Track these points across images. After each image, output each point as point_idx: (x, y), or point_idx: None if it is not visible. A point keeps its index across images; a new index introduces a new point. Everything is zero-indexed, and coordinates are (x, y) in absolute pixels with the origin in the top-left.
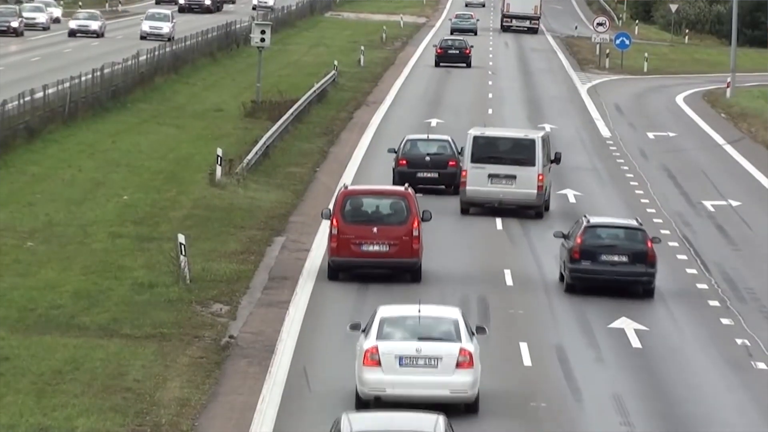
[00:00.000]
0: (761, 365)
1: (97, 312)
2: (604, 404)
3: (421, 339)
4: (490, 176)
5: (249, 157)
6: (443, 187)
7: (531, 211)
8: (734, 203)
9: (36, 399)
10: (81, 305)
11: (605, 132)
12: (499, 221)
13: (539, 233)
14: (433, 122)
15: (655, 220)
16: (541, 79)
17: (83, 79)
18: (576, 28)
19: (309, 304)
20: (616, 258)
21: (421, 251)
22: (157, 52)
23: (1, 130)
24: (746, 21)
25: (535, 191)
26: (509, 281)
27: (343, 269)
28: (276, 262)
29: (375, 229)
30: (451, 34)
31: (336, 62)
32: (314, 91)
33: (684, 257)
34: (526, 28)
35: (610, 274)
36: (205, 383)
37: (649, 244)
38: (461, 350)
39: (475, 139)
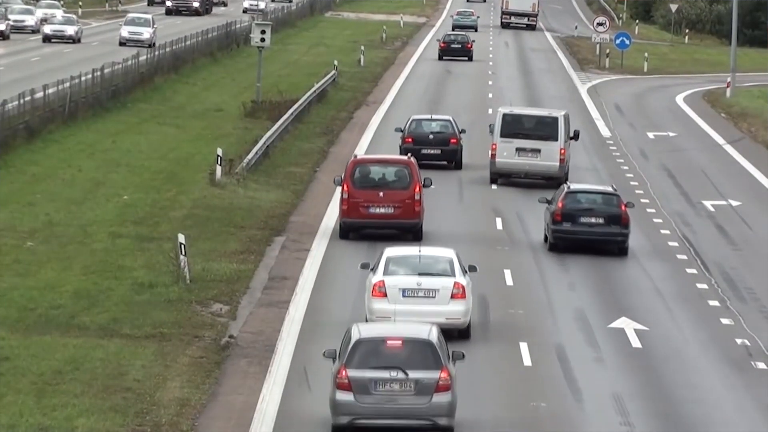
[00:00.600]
0: (761, 365)
1: (97, 312)
2: (604, 404)
3: (421, 275)
4: (517, 150)
5: (249, 157)
6: (445, 162)
7: (552, 181)
8: (734, 203)
9: (36, 399)
10: (81, 305)
11: (605, 132)
12: (499, 221)
13: (539, 233)
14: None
15: (655, 220)
16: (541, 79)
17: (83, 79)
18: (576, 27)
19: (309, 304)
20: (593, 220)
21: (422, 213)
22: (157, 52)
23: (1, 130)
24: (746, 21)
25: (558, 164)
26: (509, 281)
27: (353, 230)
28: (276, 262)
29: (381, 194)
30: (453, 30)
31: (336, 62)
32: (314, 91)
33: (684, 257)
34: (524, 25)
35: (588, 234)
36: (205, 383)
37: (623, 207)
38: (455, 284)
39: (504, 116)
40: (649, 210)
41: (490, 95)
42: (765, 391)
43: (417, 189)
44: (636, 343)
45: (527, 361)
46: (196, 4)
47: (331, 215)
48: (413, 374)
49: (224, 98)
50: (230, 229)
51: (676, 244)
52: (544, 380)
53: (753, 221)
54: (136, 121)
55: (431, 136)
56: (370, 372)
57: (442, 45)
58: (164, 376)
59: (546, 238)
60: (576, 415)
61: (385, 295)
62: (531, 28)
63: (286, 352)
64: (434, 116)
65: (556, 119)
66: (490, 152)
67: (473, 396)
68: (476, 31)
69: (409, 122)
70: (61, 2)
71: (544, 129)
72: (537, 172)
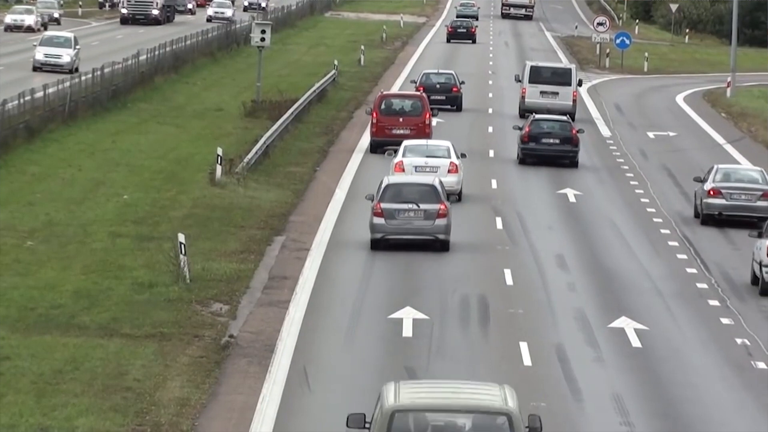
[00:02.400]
0: (761, 365)
1: (97, 312)
2: (604, 404)
3: (427, 157)
4: (541, 93)
5: (249, 156)
6: (449, 106)
7: (566, 115)
8: None
9: (36, 399)
10: (81, 305)
11: (605, 131)
12: (499, 221)
13: (539, 233)
14: (434, 122)
15: (655, 220)
16: None
17: (83, 78)
18: (576, 27)
19: (309, 304)
20: (551, 141)
21: (431, 134)
22: (157, 52)
23: (1, 129)
24: (746, 21)
25: (571, 103)
26: (509, 281)
27: (380, 145)
28: (276, 262)
29: (401, 119)
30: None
31: (336, 62)
32: (314, 91)
33: (684, 257)
34: (522, 15)
35: (547, 151)
36: (205, 383)
37: (574, 131)
38: (451, 163)
39: (531, 68)
40: (649, 210)
41: (490, 95)
42: (765, 391)
43: (427, 116)
44: (636, 343)
45: (527, 361)
46: (155, 12)
47: (332, 215)
48: (423, 206)
49: (224, 98)
50: (230, 228)
51: (676, 244)
52: (544, 380)
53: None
54: (136, 120)
55: (438, 86)
56: (395, 204)
57: (450, 29)
58: (164, 375)
59: (517, 156)
60: (576, 415)
61: (403, 170)
62: (528, 18)
63: (286, 352)
64: (440, 70)
65: (569, 69)
66: (520, 95)
67: None
68: (477, 20)
69: (420, 75)
70: (61, 2)
71: (561, 77)
72: (556, 109)
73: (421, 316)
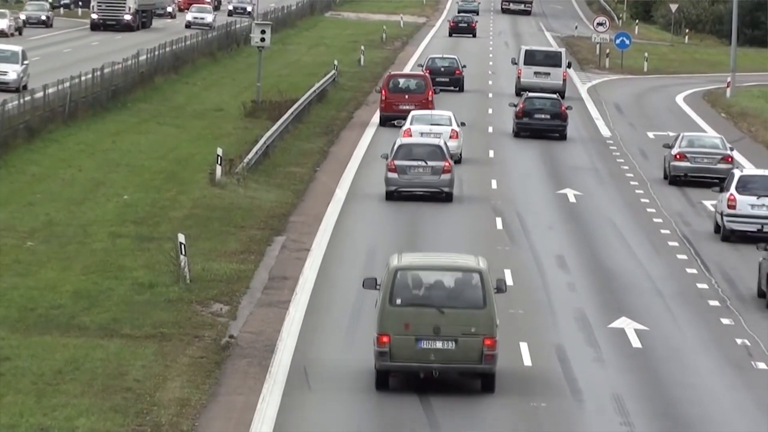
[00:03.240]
0: (761, 365)
1: (97, 312)
2: (604, 404)
3: (432, 125)
4: (535, 73)
5: (249, 156)
6: (452, 87)
7: (557, 93)
8: None
9: (36, 399)
10: (81, 305)
11: (605, 132)
12: (499, 221)
13: (539, 233)
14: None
15: (655, 220)
16: None
17: (83, 79)
18: (576, 27)
19: (309, 304)
20: (543, 116)
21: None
22: (157, 52)
23: (1, 130)
24: (746, 21)
25: (561, 82)
26: (509, 281)
27: (388, 119)
28: (276, 262)
29: (406, 96)
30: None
31: (336, 62)
32: (314, 91)
33: (684, 257)
34: (521, 10)
35: (539, 125)
36: (205, 383)
37: (563, 108)
38: (452, 130)
39: (526, 51)
40: (649, 210)
41: (490, 95)
42: (765, 391)
43: (430, 93)
44: (636, 343)
45: (527, 361)
46: (127, 18)
47: (332, 215)
48: (430, 163)
49: (224, 98)
50: (230, 229)
51: (676, 244)
52: (544, 380)
53: None
54: (136, 121)
55: (442, 69)
56: (407, 162)
57: (452, 24)
58: (164, 376)
59: (513, 129)
60: (576, 415)
61: (411, 135)
62: (527, 13)
63: (286, 352)
64: (444, 55)
65: (559, 53)
66: (516, 75)
67: (473, 396)
68: (478, 15)
69: (427, 59)
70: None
71: (552, 59)
72: (548, 88)
73: None
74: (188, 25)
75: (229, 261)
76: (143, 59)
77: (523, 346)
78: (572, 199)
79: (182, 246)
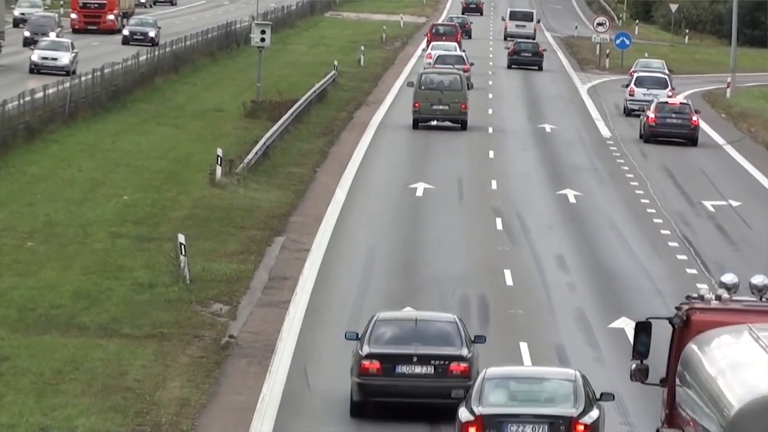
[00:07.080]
0: None
1: (97, 312)
2: (604, 404)
3: (446, 50)
4: (516, 25)
5: (249, 157)
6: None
7: (533, 39)
8: (734, 203)
9: (36, 399)
10: (81, 305)
11: (605, 132)
12: (499, 221)
13: (539, 233)
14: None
15: (655, 220)
16: (541, 79)
17: (83, 79)
18: (576, 28)
19: (309, 304)
20: (526, 54)
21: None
22: (157, 52)
23: (1, 130)
24: (746, 21)
25: (533, 31)
26: (509, 281)
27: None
28: (276, 262)
29: (444, 37)
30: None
31: (336, 62)
32: (314, 91)
33: (684, 257)
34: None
35: (524, 60)
36: (205, 383)
37: (540, 48)
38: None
39: (510, 11)
40: (649, 210)
41: (490, 95)
42: None
43: (459, 35)
44: None
45: (527, 361)
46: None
47: (332, 215)
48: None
49: (224, 98)
50: (230, 229)
51: (676, 244)
52: None
53: (753, 221)
54: (136, 121)
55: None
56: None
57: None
58: (164, 376)
59: (507, 64)
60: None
61: (432, 57)
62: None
63: (286, 352)
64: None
65: (532, 12)
66: (504, 27)
67: None
68: (481, 14)
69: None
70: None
71: (527, 17)
72: (524, 35)
73: None
74: (33, 69)
75: (228, 261)
76: (143, 59)
77: (523, 346)
78: (572, 200)
79: (182, 246)
